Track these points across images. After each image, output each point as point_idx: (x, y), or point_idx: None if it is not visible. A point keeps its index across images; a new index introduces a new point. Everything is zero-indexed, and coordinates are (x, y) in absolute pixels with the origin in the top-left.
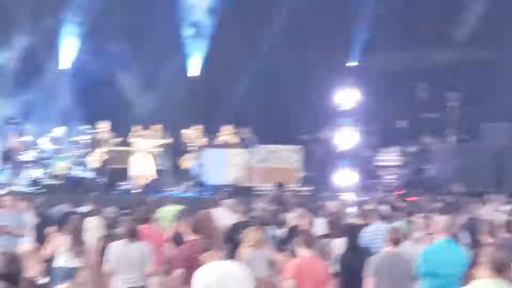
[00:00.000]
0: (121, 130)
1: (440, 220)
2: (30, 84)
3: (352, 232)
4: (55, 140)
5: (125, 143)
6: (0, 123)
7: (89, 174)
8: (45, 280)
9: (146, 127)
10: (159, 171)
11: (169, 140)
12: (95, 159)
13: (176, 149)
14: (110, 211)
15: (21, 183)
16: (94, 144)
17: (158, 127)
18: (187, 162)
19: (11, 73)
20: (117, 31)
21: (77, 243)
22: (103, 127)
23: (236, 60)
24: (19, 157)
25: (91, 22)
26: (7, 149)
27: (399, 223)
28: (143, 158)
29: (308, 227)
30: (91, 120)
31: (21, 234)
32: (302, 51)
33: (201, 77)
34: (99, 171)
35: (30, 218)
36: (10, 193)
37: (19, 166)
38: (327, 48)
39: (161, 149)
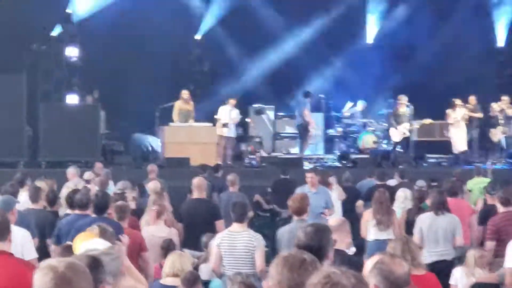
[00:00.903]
0: (422, 102)
1: None
2: (335, 59)
3: None
4: (361, 114)
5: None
6: (300, 99)
7: (395, 147)
8: (353, 250)
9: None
10: (469, 143)
11: (480, 115)
12: (400, 132)
13: (486, 122)
14: (419, 183)
15: (330, 158)
16: (397, 117)
17: (472, 98)
18: (497, 135)
19: (313, 49)
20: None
21: (385, 216)
22: (404, 101)
23: None
24: (311, 131)
25: None
26: (303, 123)
27: None
28: (455, 127)
29: None
30: (396, 92)
31: (328, 213)
32: None
33: (507, 47)
34: (405, 144)
35: (337, 193)
36: (314, 169)
37: (314, 140)
38: None
39: (472, 121)
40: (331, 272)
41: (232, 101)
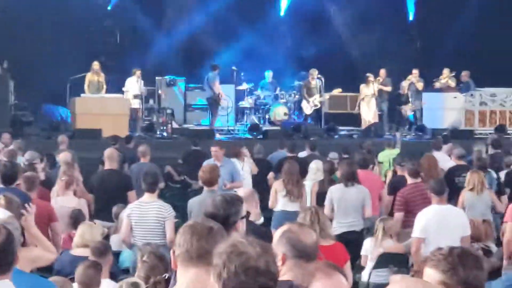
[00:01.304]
0: (334, 74)
1: None
2: (247, 31)
3: None
4: (270, 85)
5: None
6: (209, 71)
7: (306, 119)
8: (261, 221)
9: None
10: (379, 116)
11: (389, 88)
12: (311, 104)
13: (396, 98)
14: (331, 155)
15: (241, 129)
16: (309, 90)
17: (382, 71)
18: (407, 112)
19: (225, 21)
20: None
21: (295, 187)
22: (315, 74)
23: (452, 2)
24: (221, 103)
25: None
26: (213, 95)
27: None
28: (367, 102)
29: None
30: (308, 64)
31: (230, 185)
32: None
33: (416, 21)
34: (316, 116)
35: (249, 165)
36: (218, 142)
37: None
38: None
39: (382, 94)
40: (237, 241)
41: (138, 72)
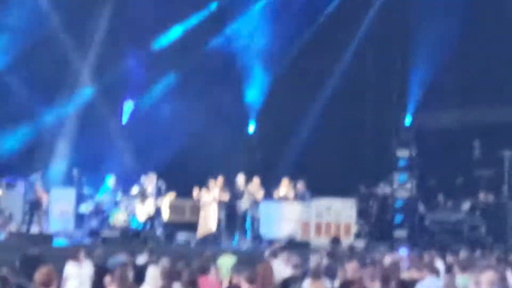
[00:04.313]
0: (177, 182)
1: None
2: (91, 137)
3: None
4: (112, 192)
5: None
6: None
7: (146, 225)
8: None
9: (212, 180)
10: (218, 223)
11: (226, 197)
12: (145, 210)
13: (233, 195)
14: (167, 261)
15: (80, 233)
16: (144, 196)
17: (220, 179)
18: (244, 204)
19: (71, 127)
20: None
21: None
22: (151, 179)
23: (290, 117)
24: (44, 207)
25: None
26: (36, 198)
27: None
28: (207, 210)
29: (361, 280)
30: (150, 170)
31: None
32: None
33: (255, 134)
34: (156, 222)
35: (87, 269)
36: None
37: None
38: (384, 106)
39: (220, 202)
40: None
41: None
